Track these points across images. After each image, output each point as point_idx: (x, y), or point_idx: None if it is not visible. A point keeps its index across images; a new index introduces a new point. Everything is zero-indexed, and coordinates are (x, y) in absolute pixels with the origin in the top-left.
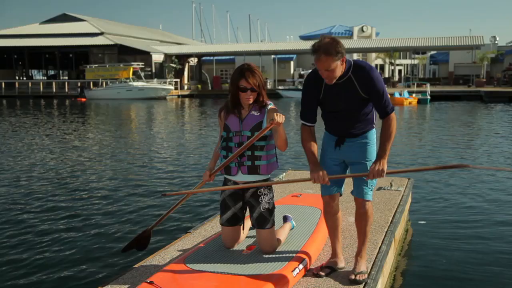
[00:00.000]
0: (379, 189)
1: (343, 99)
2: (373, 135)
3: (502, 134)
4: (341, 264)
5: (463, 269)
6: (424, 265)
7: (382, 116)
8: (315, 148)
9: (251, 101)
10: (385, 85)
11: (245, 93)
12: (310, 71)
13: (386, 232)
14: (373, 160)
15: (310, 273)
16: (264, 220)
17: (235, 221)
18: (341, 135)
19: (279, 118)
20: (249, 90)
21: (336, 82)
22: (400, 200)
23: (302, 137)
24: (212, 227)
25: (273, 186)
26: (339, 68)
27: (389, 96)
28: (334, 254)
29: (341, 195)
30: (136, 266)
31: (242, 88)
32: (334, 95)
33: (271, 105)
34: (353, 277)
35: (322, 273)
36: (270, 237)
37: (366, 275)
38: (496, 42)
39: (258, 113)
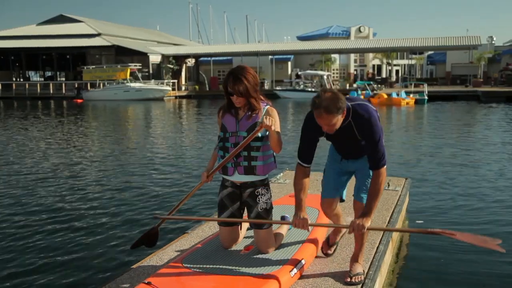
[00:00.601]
0: None
1: (344, 141)
2: None
3: (500, 135)
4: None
5: (461, 268)
6: (421, 265)
7: (372, 167)
8: (305, 191)
9: (240, 104)
10: (383, 134)
11: (232, 97)
12: (308, 113)
13: (384, 232)
14: None
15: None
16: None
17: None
18: (345, 157)
19: (268, 121)
20: (235, 95)
21: None
22: (398, 200)
23: (296, 177)
24: (210, 227)
25: (270, 185)
26: (339, 121)
27: (384, 148)
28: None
29: (342, 200)
30: (133, 266)
31: (229, 92)
32: (335, 138)
33: (268, 106)
34: (349, 279)
35: (330, 252)
36: (267, 237)
37: (362, 277)
38: (493, 42)
39: (255, 114)
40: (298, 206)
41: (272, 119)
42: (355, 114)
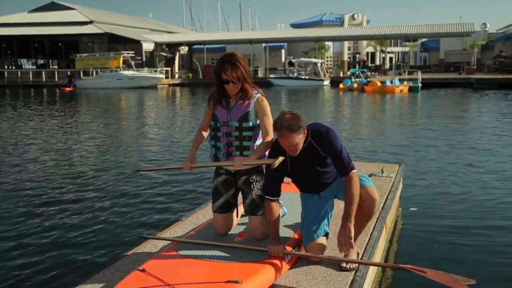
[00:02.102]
0: (370, 175)
1: (310, 164)
2: None
3: (493, 121)
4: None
5: (454, 254)
6: (415, 251)
7: (341, 175)
8: (277, 221)
9: (235, 92)
10: (342, 145)
11: (227, 85)
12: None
13: (377, 218)
14: None
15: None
16: (256, 207)
17: (227, 208)
18: (315, 191)
19: (238, 163)
20: (231, 82)
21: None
22: (391, 187)
23: (266, 210)
24: (204, 214)
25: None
26: (301, 141)
27: (348, 155)
28: None
29: (327, 235)
30: (128, 254)
31: (224, 80)
32: (301, 163)
33: (259, 95)
34: (344, 264)
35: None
36: (262, 223)
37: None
38: (486, 29)
39: (246, 103)
40: (272, 235)
41: (242, 161)
42: (313, 132)
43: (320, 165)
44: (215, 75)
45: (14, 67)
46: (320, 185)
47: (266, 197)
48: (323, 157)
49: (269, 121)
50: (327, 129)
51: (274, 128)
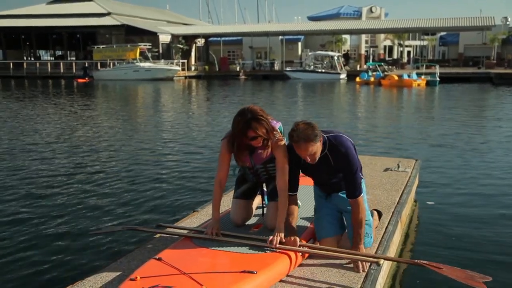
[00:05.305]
0: (386, 170)
1: (321, 173)
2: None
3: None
4: None
5: (470, 250)
6: (430, 246)
7: (348, 196)
8: (294, 216)
9: (260, 144)
10: (359, 166)
11: (255, 141)
12: (287, 145)
13: (393, 212)
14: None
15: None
16: (276, 193)
17: (250, 194)
18: (328, 192)
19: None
20: (260, 137)
21: None
22: (407, 181)
23: None
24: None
25: None
26: (319, 149)
27: (360, 178)
28: None
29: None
30: (144, 243)
31: (251, 137)
32: (313, 169)
33: (277, 136)
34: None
35: None
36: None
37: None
38: (507, 23)
39: (266, 151)
40: (289, 228)
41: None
42: (331, 146)
43: (330, 175)
44: (239, 134)
45: (32, 59)
46: (329, 188)
47: None
48: (335, 170)
49: (284, 164)
50: (347, 148)
51: (291, 139)
